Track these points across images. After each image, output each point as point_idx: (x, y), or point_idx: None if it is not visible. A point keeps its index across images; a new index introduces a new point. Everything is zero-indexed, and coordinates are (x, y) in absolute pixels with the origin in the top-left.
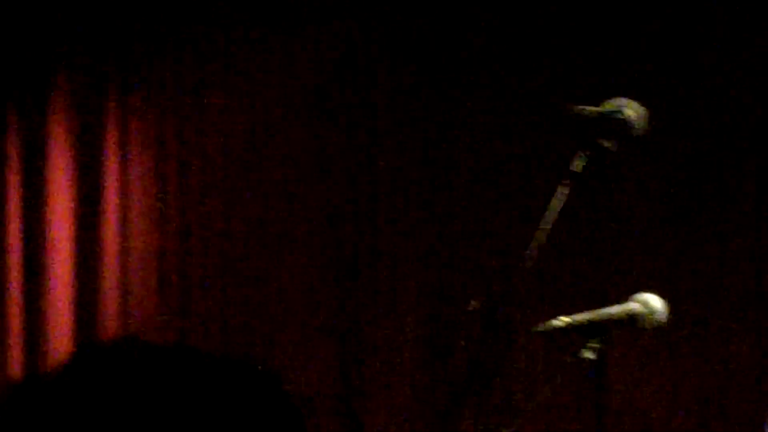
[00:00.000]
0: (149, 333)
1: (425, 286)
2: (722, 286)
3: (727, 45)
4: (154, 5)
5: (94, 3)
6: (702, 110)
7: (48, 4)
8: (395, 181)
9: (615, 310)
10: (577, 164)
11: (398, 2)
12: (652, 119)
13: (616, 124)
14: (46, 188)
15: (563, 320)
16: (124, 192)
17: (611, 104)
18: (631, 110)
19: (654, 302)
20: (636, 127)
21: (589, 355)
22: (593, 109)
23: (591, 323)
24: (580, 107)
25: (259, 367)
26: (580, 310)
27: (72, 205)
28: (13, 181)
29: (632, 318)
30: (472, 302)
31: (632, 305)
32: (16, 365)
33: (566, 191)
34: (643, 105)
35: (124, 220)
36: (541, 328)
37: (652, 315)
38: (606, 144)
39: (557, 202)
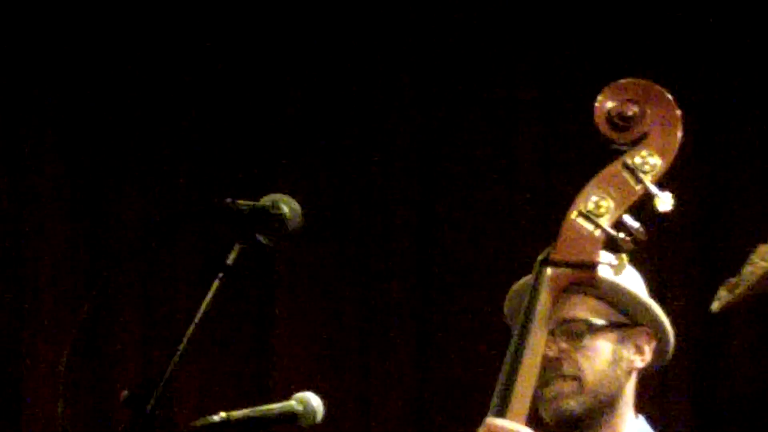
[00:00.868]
0: None
1: None
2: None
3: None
4: None
5: None
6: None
7: None
8: None
9: (275, 407)
10: (231, 257)
11: None
12: (306, 216)
13: (272, 219)
14: None
15: (222, 415)
16: None
17: (267, 199)
18: (286, 206)
19: (313, 402)
20: (290, 223)
21: None
22: (248, 203)
23: (250, 419)
24: (235, 201)
25: None
26: (242, 407)
27: None
28: None
29: (292, 416)
30: (123, 392)
31: (292, 403)
32: None
33: (219, 284)
34: (298, 202)
35: None
36: (199, 422)
37: (310, 413)
38: (261, 239)
39: (210, 295)
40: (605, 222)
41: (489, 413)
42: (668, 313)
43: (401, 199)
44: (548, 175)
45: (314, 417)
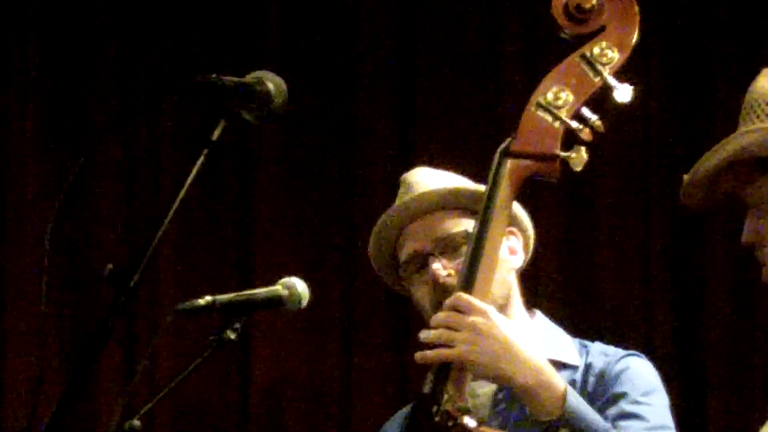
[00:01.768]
0: None
1: None
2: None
3: None
4: None
5: None
6: None
7: None
8: None
9: (261, 291)
10: (216, 133)
11: None
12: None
13: (257, 95)
14: None
15: (207, 299)
16: None
17: (252, 76)
18: (271, 83)
19: (299, 286)
20: (275, 100)
21: (231, 335)
22: (233, 79)
23: (235, 303)
24: (220, 77)
25: None
26: (225, 290)
27: None
28: None
29: (278, 300)
30: (107, 266)
31: (278, 288)
32: None
33: (203, 160)
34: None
35: None
36: (184, 305)
37: (295, 298)
38: (245, 115)
39: (195, 171)
40: (564, 113)
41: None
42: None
43: (383, 87)
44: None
45: (300, 302)
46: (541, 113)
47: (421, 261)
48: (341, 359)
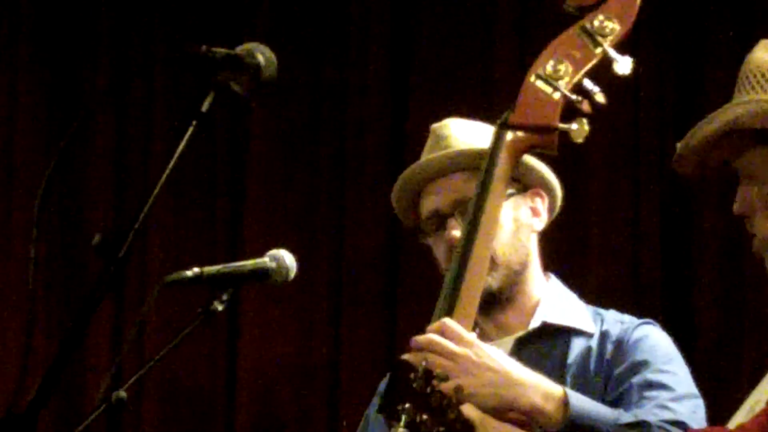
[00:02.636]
0: None
1: None
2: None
3: None
4: None
5: None
6: None
7: None
8: None
9: (248, 263)
10: (206, 107)
11: None
12: (280, 66)
13: (247, 67)
14: None
15: (195, 271)
16: None
17: (243, 48)
18: (261, 55)
19: (287, 259)
20: (265, 72)
21: (218, 307)
22: (223, 51)
23: (223, 275)
24: (210, 48)
25: None
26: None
27: None
28: None
29: (264, 272)
30: (95, 236)
31: (266, 260)
32: None
33: (192, 131)
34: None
35: None
36: (172, 276)
37: (283, 270)
38: (235, 87)
39: (184, 142)
40: (563, 85)
41: (448, 275)
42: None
43: (375, 58)
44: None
45: (287, 274)
46: (540, 84)
47: (440, 220)
48: (329, 338)
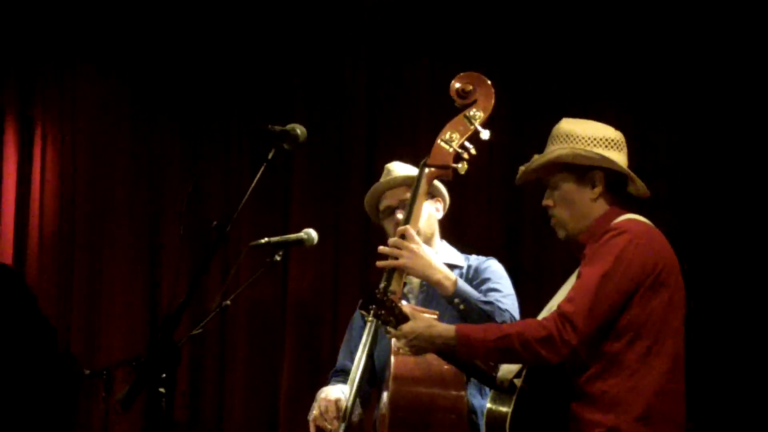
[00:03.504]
0: None
1: None
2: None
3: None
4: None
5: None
6: None
7: None
8: None
9: (291, 236)
10: (270, 156)
11: None
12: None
13: (291, 136)
14: None
15: (265, 240)
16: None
17: (289, 126)
18: (299, 130)
19: (313, 234)
20: (300, 138)
21: (277, 258)
22: (280, 127)
23: (279, 242)
24: (273, 126)
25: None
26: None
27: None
28: None
29: (300, 240)
30: (213, 222)
31: (301, 234)
32: None
33: (262, 171)
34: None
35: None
36: (254, 243)
37: (310, 240)
38: (286, 146)
39: (256, 178)
40: (455, 144)
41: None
42: (493, 202)
43: (359, 126)
44: None
45: (313, 242)
46: (443, 144)
47: (391, 211)
48: (333, 276)
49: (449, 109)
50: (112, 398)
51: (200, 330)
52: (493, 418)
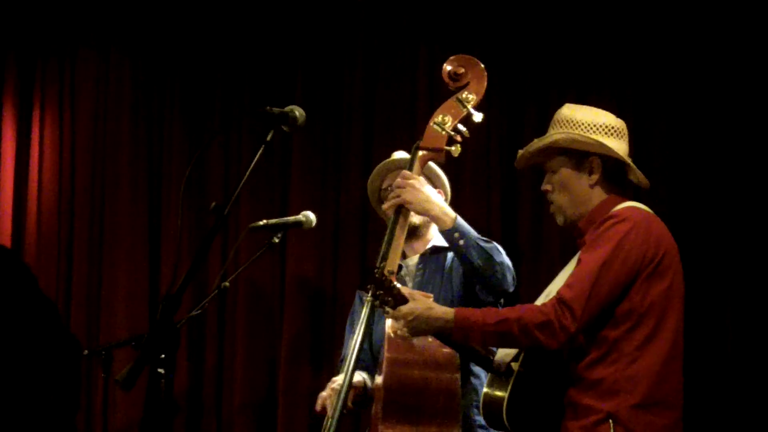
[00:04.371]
0: None
1: None
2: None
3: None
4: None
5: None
6: None
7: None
8: None
9: (290, 218)
10: (269, 138)
11: None
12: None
13: (290, 118)
14: None
15: (263, 222)
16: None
17: (288, 108)
18: (298, 112)
19: (311, 216)
20: (299, 120)
21: (276, 240)
22: (279, 109)
23: (277, 224)
24: (273, 108)
25: None
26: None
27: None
28: None
29: (299, 223)
30: (212, 203)
31: (299, 216)
32: None
33: (261, 152)
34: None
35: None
36: (253, 225)
37: (308, 222)
38: (285, 128)
39: (256, 158)
40: (447, 127)
41: (392, 218)
42: (492, 184)
43: (358, 112)
44: None
45: (311, 224)
46: (435, 127)
47: (392, 191)
48: (332, 258)
49: (448, 93)
50: (111, 378)
51: (199, 311)
52: (490, 401)
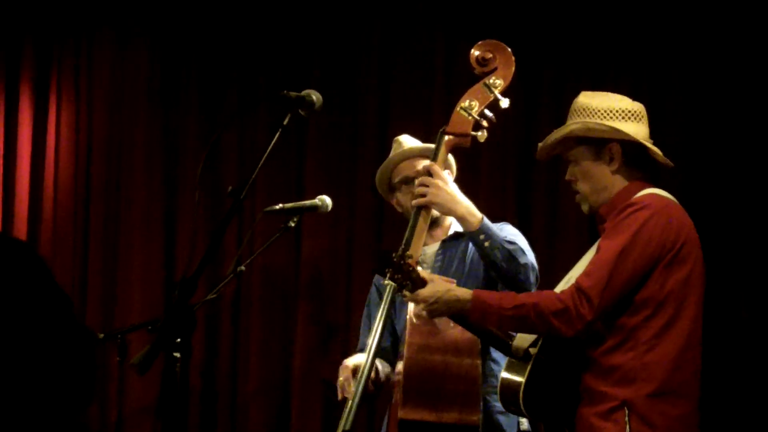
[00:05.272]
0: None
1: None
2: None
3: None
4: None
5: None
6: None
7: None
8: None
9: (306, 202)
10: (286, 122)
11: None
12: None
13: (307, 102)
14: None
15: (279, 206)
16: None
17: (305, 92)
18: (314, 96)
19: (327, 200)
20: (316, 106)
21: (291, 224)
22: (296, 93)
23: (293, 208)
24: (290, 92)
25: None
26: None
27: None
28: None
29: (315, 207)
30: (229, 187)
31: (315, 200)
32: None
33: (277, 136)
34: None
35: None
36: (268, 209)
37: (324, 206)
38: (302, 112)
39: (273, 141)
40: (474, 112)
41: (414, 211)
42: (509, 171)
43: (373, 97)
44: None
45: (327, 208)
46: (462, 112)
47: (408, 181)
48: (347, 243)
49: (464, 80)
50: (126, 362)
51: (215, 295)
52: (507, 386)
